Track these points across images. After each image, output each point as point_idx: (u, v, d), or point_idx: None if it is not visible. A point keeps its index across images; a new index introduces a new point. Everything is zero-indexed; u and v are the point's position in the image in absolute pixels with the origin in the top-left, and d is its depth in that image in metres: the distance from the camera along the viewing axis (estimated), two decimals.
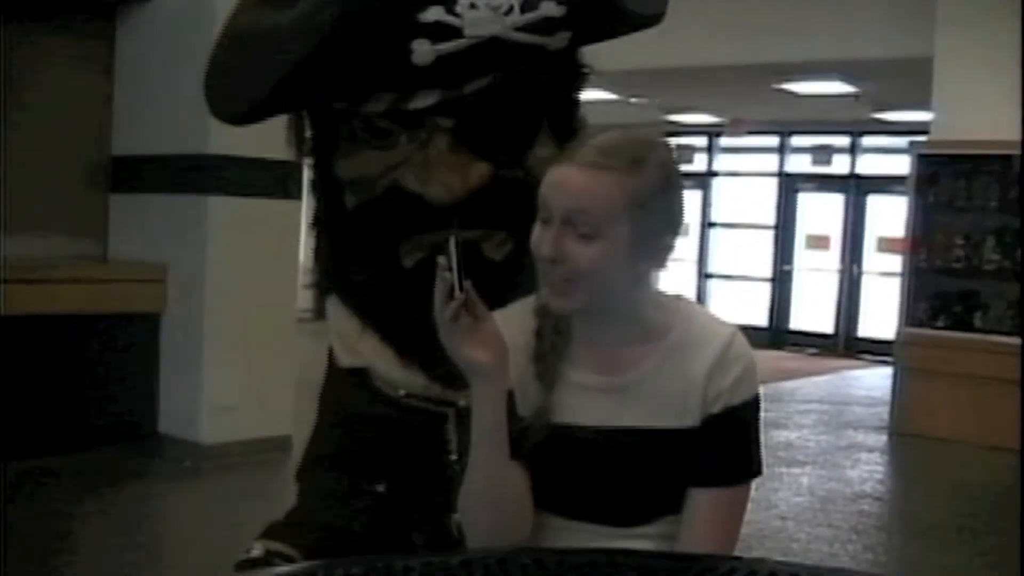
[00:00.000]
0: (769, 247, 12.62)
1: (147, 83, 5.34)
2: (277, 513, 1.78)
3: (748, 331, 1.53)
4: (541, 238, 1.39)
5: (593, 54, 1.76)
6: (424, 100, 1.60)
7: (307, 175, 1.84)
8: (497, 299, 1.43)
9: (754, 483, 1.50)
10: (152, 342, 5.30)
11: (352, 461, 1.75)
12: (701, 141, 12.87)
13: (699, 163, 12.81)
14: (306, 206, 3.69)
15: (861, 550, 4.43)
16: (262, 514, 1.79)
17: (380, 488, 1.72)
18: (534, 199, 1.43)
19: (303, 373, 4.43)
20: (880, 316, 10.42)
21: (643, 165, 1.38)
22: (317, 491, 1.77)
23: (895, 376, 7.27)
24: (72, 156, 5.43)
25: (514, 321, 1.47)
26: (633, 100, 10.43)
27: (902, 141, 9.39)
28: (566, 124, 1.72)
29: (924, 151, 7.24)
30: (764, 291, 12.59)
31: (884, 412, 7.37)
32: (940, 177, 7.22)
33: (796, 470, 5.86)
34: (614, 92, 9.52)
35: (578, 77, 1.76)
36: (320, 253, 1.80)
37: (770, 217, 12.64)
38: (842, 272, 12.03)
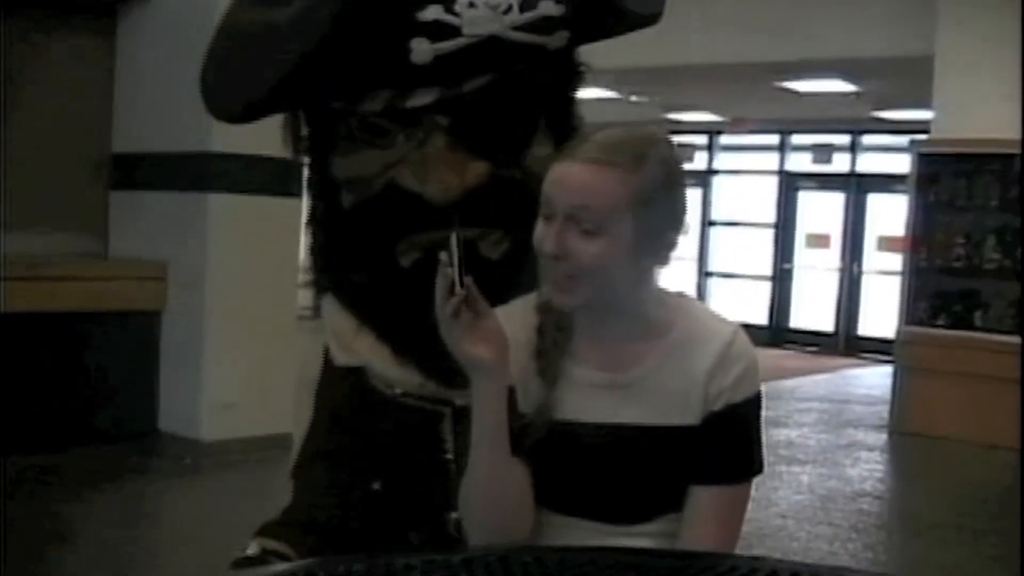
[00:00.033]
0: (769, 245, 12.62)
1: (148, 80, 5.34)
2: (278, 511, 1.78)
3: (748, 329, 1.53)
4: (544, 234, 1.39)
5: (593, 52, 1.76)
6: (422, 99, 1.60)
7: (304, 173, 1.84)
8: (494, 298, 1.42)
9: (754, 481, 1.50)
10: (152, 339, 5.31)
11: (348, 459, 1.74)
12: (701, 139, 12.86)
13: (699, 161, 12.81)
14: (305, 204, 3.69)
15: (861, 548, 4.43)
16: (262, 511, 1.79)
17: (376, 487, 1.71)
18: (532, 198, 1.42)
19: (303, 371, 4.43)
20: (880, 315, 10.42)
21: (646, 162, 1.38)
22: (313, 489, 1.77)
23: (895, 375, 7.28)
24: (73, 153, 5.43)
25: (516, 317, 1.46)
26: (633, 98, 10.43)
27: (903, 140, 9.38)
28: (564, 123, 1.71)
29: (925, 150, 7.24)
30: (764, 289, 12.59)
31: (884, 411, 7.37)
32: (941, 176, 7.22)
33: (796, 468, 5.86)
34: (614, 90, 9.52)
35: (576, 76, 1.76)
36: (316, 252, 1.79)
37: (770, 215, 12.64)
38: (842, 271, 12.03)
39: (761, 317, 12.26)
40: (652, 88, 10.20)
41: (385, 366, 1.70)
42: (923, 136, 7.45)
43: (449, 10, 1.56)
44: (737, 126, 12.08)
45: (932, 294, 7.25)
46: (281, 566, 1.60)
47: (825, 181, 12.31)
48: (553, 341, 1.46)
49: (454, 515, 1.61)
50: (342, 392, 1.77)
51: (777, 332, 12.19)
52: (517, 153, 1.64)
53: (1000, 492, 5.52)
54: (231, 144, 4.90)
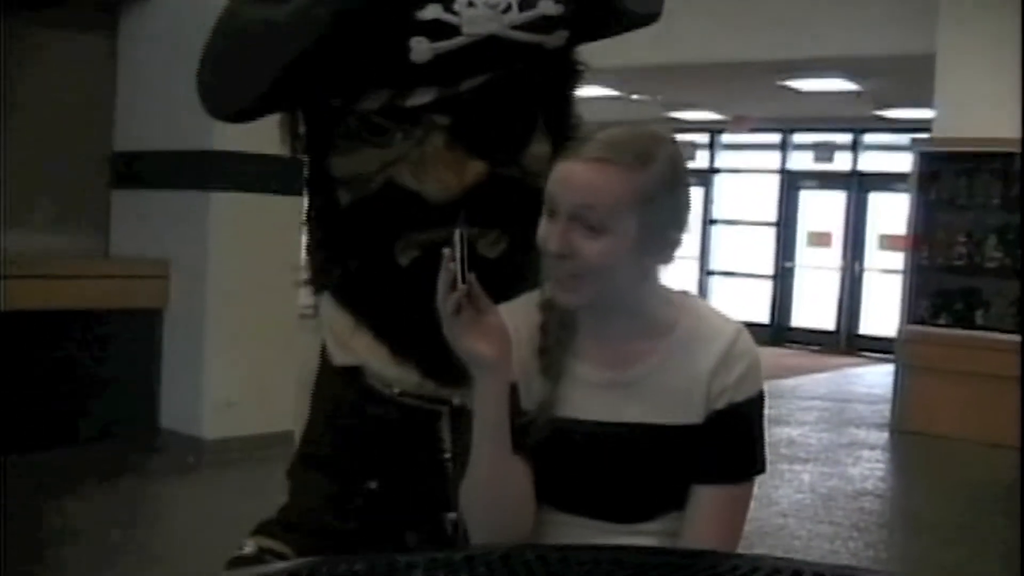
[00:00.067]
0: (771, 244, 12.63)
1: (149, 79, 5.34)
2: (276, 509, 1.78)
3: (749, 328, 1.52)
4: (548, 233, 1.39)
5: (593, 51, 1.76)
6: (421, 97, 1.59)
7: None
8: (493, 297, 1.42)
9: (756, 480, 1.50)
10: (154, 338, 5.31)
11: (345, 459, 1.74)
12: (703, 138, 12.86)
13: (701, 160, 12.81)
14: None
15: (862, 547, 4.43)
16: (263, 509, 1.79)
17: (373, 486, 1.71)
18: (530, 197, 1.42)
19: (304, 369, 4.43)
20: (882, 313, 10.42)
21: (650, 160, 1.38)
22: (310, 488, 1.76)
23: (896, 373, 7.28)
24: (74, 152, 5.43)
25: (519, 314, 1.46)
26: (635, 97, 10.43)
27: (904, 138, 9.38)
28: (562, 122, 1.71)
29: (926, 148, 7.24)
30: (766, 288, 12.59)
31: (885, 409, 7.37)
32: (942, 174, 7.22)
33: (798, 467, 5.86)
34: (616, 89, 9.51)
35: (574, 75, 1.75)
36: (313, 250, 1.79)
37: (772, 214, 12.64)
38: (844, 269, 12.03)
39: (762, 316, 12.26)
40: (653, 87, 10.20)
41: (383, 365, 1.70)
42: (924, 135, 7.45)
43: (448, 9, 1.56)
44: (738, 125, 12.08)
45: (933, 293, 7.25)
46: (282, 564, 1.60)
47: (826, 180, 12.31)
48: (556, 339, 1.46)
49: (451, 515, 1.61)
50: (339, 391, 1.77)
51: (778, 331, 12.19)
52: (515, 152, 1.64)
53: (1001, 491, 5.52)
54: (233, 142, 4.89)
